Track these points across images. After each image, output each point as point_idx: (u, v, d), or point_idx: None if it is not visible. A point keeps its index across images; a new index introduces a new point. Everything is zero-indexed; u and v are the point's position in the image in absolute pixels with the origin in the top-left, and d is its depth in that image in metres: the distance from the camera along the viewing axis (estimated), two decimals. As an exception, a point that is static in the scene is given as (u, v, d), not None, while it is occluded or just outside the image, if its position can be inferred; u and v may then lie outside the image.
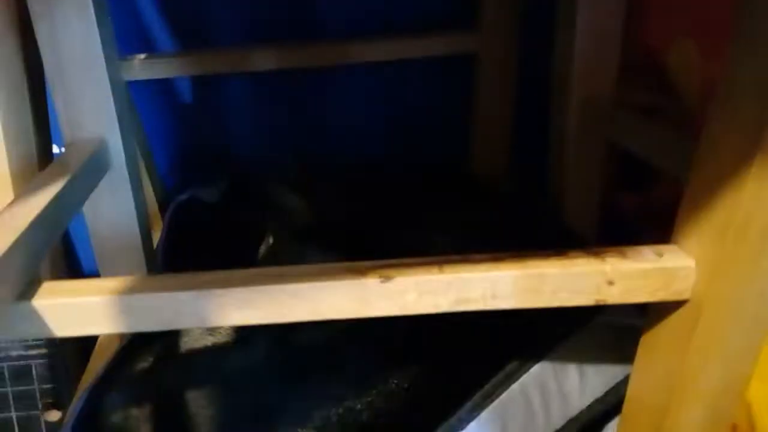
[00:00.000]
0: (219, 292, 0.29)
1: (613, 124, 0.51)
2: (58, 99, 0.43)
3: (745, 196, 0.27)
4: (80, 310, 0.29)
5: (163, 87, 0.69)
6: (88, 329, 0.29)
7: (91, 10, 0.41)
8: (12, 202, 0.33)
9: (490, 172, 0.68)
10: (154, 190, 0.68)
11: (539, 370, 0.38)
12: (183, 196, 0.62)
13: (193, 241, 0.58)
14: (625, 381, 0.38)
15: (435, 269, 0.30)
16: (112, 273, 0.48)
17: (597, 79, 0.52)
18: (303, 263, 0.31)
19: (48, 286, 0.30)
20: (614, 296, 0.30)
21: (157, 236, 0.60)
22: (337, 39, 0.64)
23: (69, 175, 0.37)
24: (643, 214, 0.59)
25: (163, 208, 0.68)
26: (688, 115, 0.51)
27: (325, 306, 0.29)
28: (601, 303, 0.30)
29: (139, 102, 0.66)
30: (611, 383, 0.39)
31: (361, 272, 0.29)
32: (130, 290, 0.29)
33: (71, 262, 0.72)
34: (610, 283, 0.29)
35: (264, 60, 0.63)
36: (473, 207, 0.59)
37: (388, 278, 0.29)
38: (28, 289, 0.29)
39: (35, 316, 0.28)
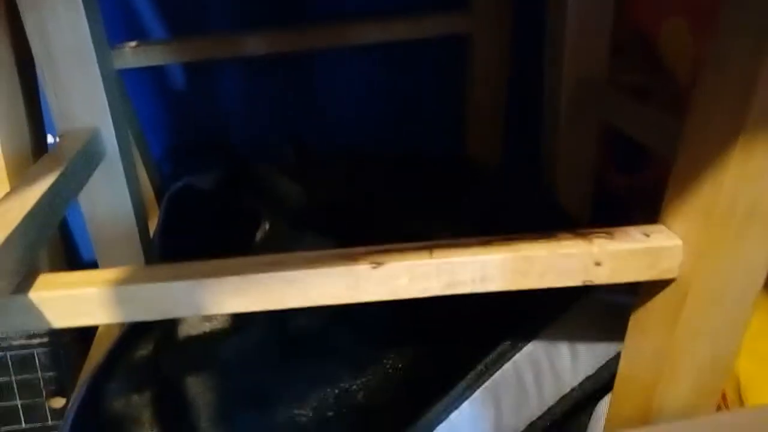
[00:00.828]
0: (213, 281, 0.29)
1: (605, 104, 0.51)
2: (49, 90, 0.43)
3: (729, 176, 0.27)
4: (77, 301, 0.29)
5: (155, 75, 0.68)
6: (84, 320, 0.29)
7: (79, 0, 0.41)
8: (6, 195, 0.33)
9: (485, 152, 0.68)
10: (150, 178, 0.68)
11: (532, 349, 0.39)
12: (179, 184, 0.62)
13: (189, 228, 0.58)
14: (616, 358, 0.38)
15: (425, 254, 0.30)
16: (110, 262, 0.48)
17: (589, 59, 0.52)
18: (300, 249, 0.31)
19: (44, 278, 0.30)
20: (602, 277, 0.30)
21: (154, 224, 0.60)
22: (329, 21, 0.63)
23: (62, 166, 0.37)
24: (636, 195, 0.59)
25: (159, 196, 0.68)
26: (680, 94, 0.51)
27: (317, 293, 0.29)
28: (589, 284, 0.30)
29: (133, 90, 0.66)
30: (602, 361, 0.39)
31: (353, 258, 0.30)
32: (126, 281, 0.29)
33: (70, 251, 0.72)
34: (598, 264, 0.30)
35: (257, 44, 0.62)
36: (469, 189, 0.59)
37: (379, 264, 0.29)
38: (25, 281, 0.29)
39: (32, 309, 0.29)
